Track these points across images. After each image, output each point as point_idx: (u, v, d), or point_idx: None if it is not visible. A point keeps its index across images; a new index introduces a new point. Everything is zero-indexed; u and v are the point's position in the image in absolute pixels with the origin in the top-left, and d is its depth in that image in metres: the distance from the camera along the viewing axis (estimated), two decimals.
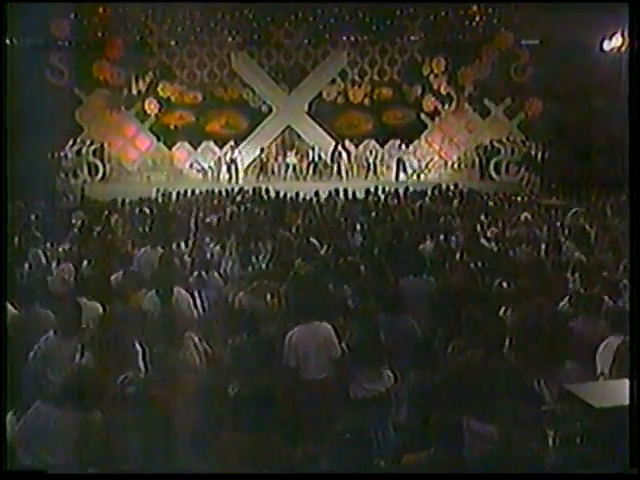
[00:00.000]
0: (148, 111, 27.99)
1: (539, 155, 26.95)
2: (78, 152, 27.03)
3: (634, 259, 6.78)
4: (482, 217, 15.31)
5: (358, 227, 13.96)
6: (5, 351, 6.38)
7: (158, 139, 28.48)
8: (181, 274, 9.77)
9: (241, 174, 27.87)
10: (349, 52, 28.77)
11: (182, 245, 12.22)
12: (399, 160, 28.09)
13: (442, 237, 12.60)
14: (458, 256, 10.99)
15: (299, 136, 29.07)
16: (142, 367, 6.48)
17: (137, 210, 17.37)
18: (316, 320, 7.23)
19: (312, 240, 12.05)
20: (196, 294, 9.03)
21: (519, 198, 20.73)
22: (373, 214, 16.08)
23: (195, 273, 9.79)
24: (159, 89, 27.95)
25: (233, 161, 27.88)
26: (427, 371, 6.95)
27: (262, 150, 28.75)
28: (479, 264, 10.24)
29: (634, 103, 7.47)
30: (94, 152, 27.52)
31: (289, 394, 6.13)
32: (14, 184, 15.09)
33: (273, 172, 28.44)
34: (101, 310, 7.94)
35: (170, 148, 28.60)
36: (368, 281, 9.10)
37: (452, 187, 21.47)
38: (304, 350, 7.07)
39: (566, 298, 8.18)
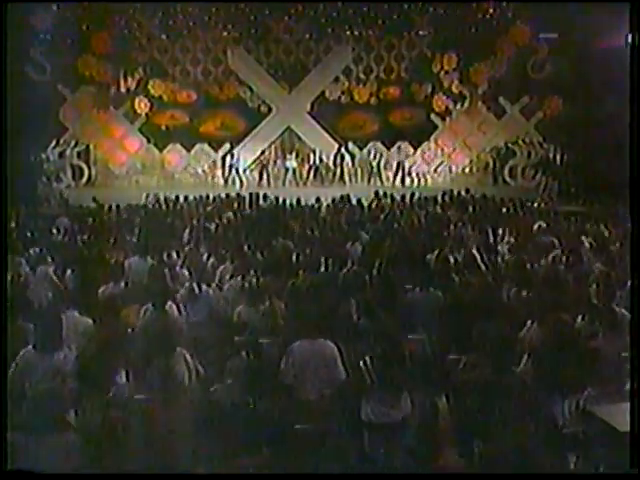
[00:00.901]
0: (138, 110, 28.04)
1: (557, 158, 26.88)
2: (61, 154, 27.05)
3: (634, 259, 7.00)
4: (496, 225, 15.20)
5: (362, 236, 13.95)
6: (5, 351, 6.54)
7: (148, 141, 28.52)
8: (173, 286, 9.75)
9: (237, 179, 27.93)
10: (353, 48, 28.85)
11: (174, 255, 12.17)
12: (399, 164, 28.25)
13: (452, 247, 12.59)
14: (469, 268, 10.97)
15: (300, 138, 29.12)
16: (126, 389, 6.48)
17: (125, 217, 17.37)
18: (319, 336, 7.25)
19: (314, 250, 12.02)
20: (189, 308, 9.03)
21: (535, 204, 20.66)
22: (378, 222, 16.09)
23: (188, 285, 9.74)
24: (149, 87, 27.99)
25: (229, 165, 27.98)
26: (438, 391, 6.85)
27: (260, 153, 28.85)
28: (492, 276, 10.25)
29: (634, 103, 7.68)
30: (79, 154, 27.57)
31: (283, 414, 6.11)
32: None
33: (272, 177, 28.49)
34: (89, 324, 7.94)
35: (161, 150, 28.64)
36: (373, 294, 9.11)
37: (463, 193, 21.35)
38: (303, 368, 7.05)
39: (586, 314, 8.16)
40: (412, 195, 20.68)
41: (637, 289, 6.70)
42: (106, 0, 25.99)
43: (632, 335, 6.12)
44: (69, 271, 10.66)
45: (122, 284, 9.97)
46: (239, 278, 10.02)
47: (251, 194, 20.60)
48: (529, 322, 7.85)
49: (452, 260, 11.40)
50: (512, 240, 13.75)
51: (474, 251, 12.10)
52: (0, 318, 7.27)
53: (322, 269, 10.93)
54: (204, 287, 9.76)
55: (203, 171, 28.85)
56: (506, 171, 28.29)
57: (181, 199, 20.67)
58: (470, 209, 18.70)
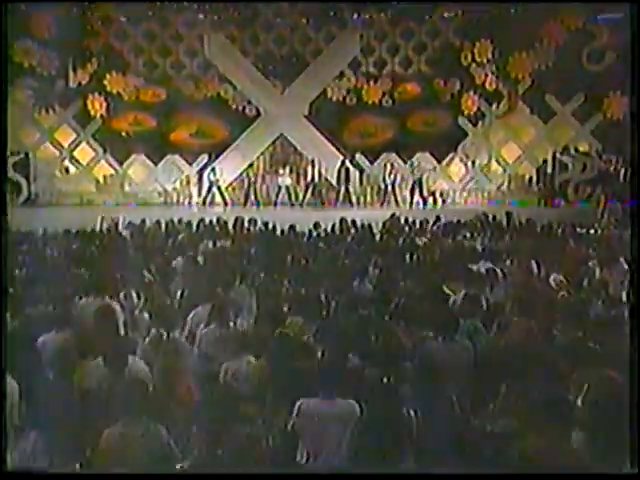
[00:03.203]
0: (91, 112, 28.20)
1: (621, 172, 26.74)
2: None
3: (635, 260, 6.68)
4: (541, 258, 14.99)
5: (372, 271, 13.80)
6: (5, 351, 7.14)
7: (105, 150, 28.67)
8: (134, 335, 9.69)
9: (218, 199, 28.00)
10: (362, 35, 28.95)
11: (134, 295, 12.08)
12: (419, 181, 28.10)
13: (483, 285, 12.48)
14: (505, 312, 10.87)
15: (295, 148, 29.25)
16: None
17: (74, 246, 17.25)
18: (317, 399, 7.32)
19: (311, 289, 11.97)
20: (151, 364, 8.89)
21: (592, 231, 20.53)
22: (392, 254, 15.91)
23: (153, 334, 9.66)
24: (105, 82, 28.11)
25: (207, 182, 28.03)
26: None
27: (247, 167, 28.97)
28: (536, 323, 10.00)
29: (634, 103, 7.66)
30: (15, 166, 27.56)
31: None
32: None
33: (260, 196, 28.56)
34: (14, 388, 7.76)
35: (121, 163, 28.80)
36: (386, 345, 9.08)
37: (500, 216, 21.19)
38: (317, 436, 7.18)
39: None
40: (436, 220, 20.60)
41: (637, 289, 7.17)
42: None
43: (632, 335, 6.70)
44: None
45: (67, 332, 9.67)
46: (215, 325, 9.95)
47: (235, 218, 20.45)
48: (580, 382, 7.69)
49: (484, 302, 11.36)
50: (561, 277, 13.57)
51: (512, 290, 12.06)
52: (0, 319, 7.92)
53: (321, 313, 10.85)
54: (172, 335, 9.69)
55: (174, 189, 28.94)
56: (556, 188, 28.12)
57: (146, 224, 20.57)
58: (508, 237, 18.64)
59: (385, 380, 7.94)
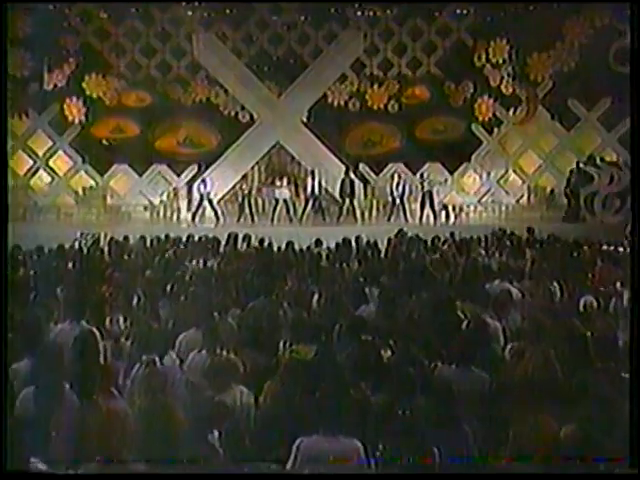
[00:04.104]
0: (69, 117, 28.12)
1: None
2: None
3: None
4: (564, 279, 14.86)
5: (378, 293, 13.50)
6: (5, 351, 7.80)
7: (84, 160, 28.57)
8: (118, 364, 9.59)
9: (209, 213, 27.78)
10: (366, 34, 29.01)
11: (120, 320, 12.08)
12: (429, 194, 27.59)
13: (500, 308, 12.31)
14: (525, 338, 10.64)
15: (293, 158, 29.30)
16: None
17: (53, 264, 17.12)
18: (318, 435, 7.24)
19: (311, 312, 11.96)
20: (136, 395, 8.87)
21: (621, 249, 20.34)
22: (399, 273, 15.74)
23: (136, 362, 9.53)
24: (85, 84, 28.10)
25: (197, 194, 27.74)
26: None
27: (240, 178, 28.89)
28: (560, 351, 9.70)
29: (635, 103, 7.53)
30: None
31: None
32: None
33: (256, 211, 28.26)
34: None
35: (102, 173, 28.71)
36: (393, 374, 8.91)
37: (519, 232, 21.20)
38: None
39: None
40: (451, 236, 20.64)
41: (637, 288, 7.45)
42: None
43: (632, 334, 7.13)
44: None
45: (46, 359, 9.32)
46: (205, 352, 9.91)
47: (228, 235, 20.59)
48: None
49: (500, 326, 11.36)
50: (591, 299, 13.35)
51: (531, 314, 11.91)
52: (0, 320, 8.36)
53: (321, 338, 10.62)
54: (157, 364, 9.56)
55: (161, 202, 28.76)
56: (581, 202, 27.78)
57: (130, 241, 20.57)
58: (528, 255, 18.57)
59: (396, 413, 7.87)
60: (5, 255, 11.35)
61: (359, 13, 28.71)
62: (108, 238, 20.81)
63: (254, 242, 20.41)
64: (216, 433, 7.95)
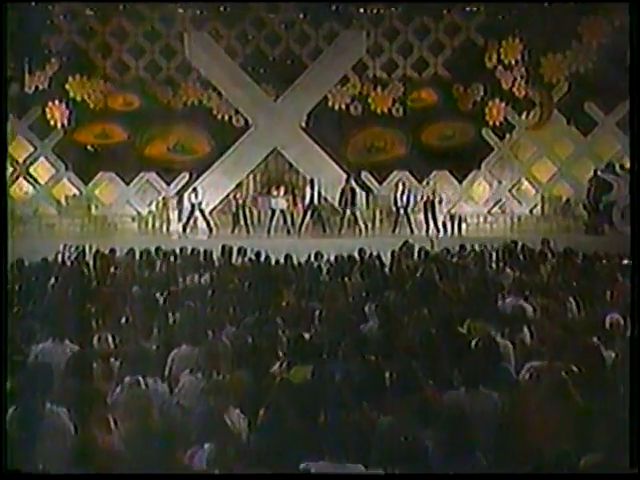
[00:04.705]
0: (51, 121, 28.04)
1: None
2: None
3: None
4: (581, 296, 14.85)
5: (381, 311, 13.50)
6: (5, 350, 8.44)
7: (67, 167, 28.45)
8: (106, 386, 9.58)
9: (201, 224, 27.76)
10: (369, 33, 28.96)
11: (109, 338, 11.98)
12: (437, 203, 27.82)
13: (512, 326, 12.33)
14: (541, 360, 10.53)
15: (291, 165, 29.25)
16: None
17: (34, 278, 17.05)
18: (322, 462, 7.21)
19: (311, 331, 11.99)
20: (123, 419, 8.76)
21: None
22: (405, 289, 15.70)
23: (127, 382, 9.48)
24: (68, 86, 28.02)
25: (189, 204, 27.80)
26: None
27: (234, 187, 28.87)
28: (576, 370, 9.81)
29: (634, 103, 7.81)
30: None
31: None
32: None
33: (251, 222, 28.31)
34: None
35: (87, 182, 28.60)
36: (398, 396, 8.95)
37: (533, 244, 21.20)
38: None
39: None
40: (460, 249, 20.68)
41: (637, 288, 7.74)
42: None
43: (632, 334, 7.37)
44: None
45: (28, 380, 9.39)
46: (199, 373, 9.97)
47: (223, 248, 20.56)
48: None
49: (512, 347, 11.41)
50: (617, 317, 13.17)
51: (546, 333, 11.84)
52: (0, 318, 8.32)
53: (321, 358, 10.69)
54: (153, 383, 9.71)
55: (149, 213, 28.78)
56: (600, 212, 27.71)
57: (117, 254, 20.60)
58: (542, 269, 18.58)
59: (404, 439, 7.73)
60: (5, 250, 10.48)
61: (362, 10, 28.69)
62: (93, 251, 20.73)
63: (250, 255, 20.34)
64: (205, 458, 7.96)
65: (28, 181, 28.42)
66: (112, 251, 20.60)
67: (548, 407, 8.59)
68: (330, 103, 29.06)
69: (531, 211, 29.20)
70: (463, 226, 28.20)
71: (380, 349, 11.05)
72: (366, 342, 11.38)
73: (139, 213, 28.80)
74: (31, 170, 28.36)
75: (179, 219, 28.10)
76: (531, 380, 9.91)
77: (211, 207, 28.34)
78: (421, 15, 28.69)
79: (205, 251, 20.62)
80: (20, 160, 28.15)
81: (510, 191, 29.21)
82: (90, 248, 21.09)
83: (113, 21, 28.29)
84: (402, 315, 13.23)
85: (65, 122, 28.03)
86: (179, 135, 28.92)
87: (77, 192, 28.71)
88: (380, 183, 29.05)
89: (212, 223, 27.76)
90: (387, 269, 18.55)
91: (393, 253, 20.26)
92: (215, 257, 20.19)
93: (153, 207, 28.69)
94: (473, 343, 11.25)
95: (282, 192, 28.20)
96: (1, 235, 12.94)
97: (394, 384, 9.39)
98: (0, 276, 11.69)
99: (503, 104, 28.68)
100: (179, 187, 28.64)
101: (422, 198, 28.11)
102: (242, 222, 27.99)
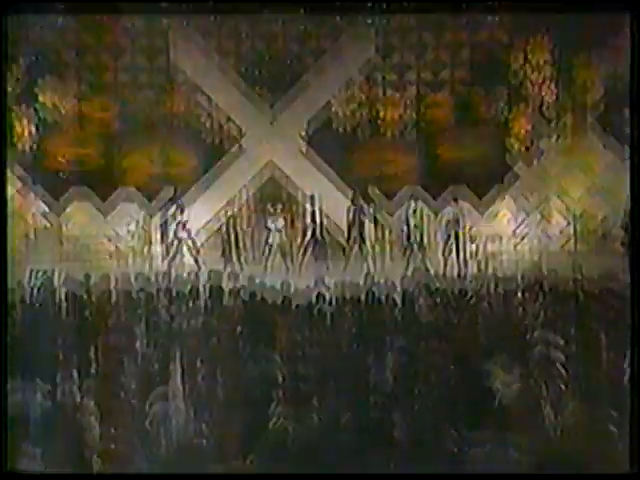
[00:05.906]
0: (18, 129, 27.86)
1: None
2: None
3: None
4: (621, 335, 14.74)
5: (391, 354, 13.85)
6: (5, 350, 9.35)
7: (34, 181, 28.19)
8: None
9: (186, 251, 27.55)
10: (377, 31, 28.93)
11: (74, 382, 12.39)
12: (455, 225, 27.63)
13: (542, 369, 12.89)
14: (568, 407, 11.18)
15: (289, 180, 29.09)
16: None
17: None
18: None
19: (311, 377, 12.18)
20: None
21: None
22: (418, 329, 16.12)
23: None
24: (37, 91, 27.94)
25: (173, 226, 27.67)
26: None
27: (224, 205, 28.82)
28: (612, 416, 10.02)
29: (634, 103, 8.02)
30: None
31: None
32: None
33: (243, 247, 28.24)
34: None
35: (57, 197, 28.40)
36: (411, 452, 9.31)
37: (564, 271, 20.96)
38: None
39: None
40: (483, 284, 20.33)
41: (637, 287, 8.79)
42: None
43: (632, 334, 8.54)
44: None
45: None
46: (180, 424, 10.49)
47: (209, 276, 20.55)
48: None
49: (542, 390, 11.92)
50: None
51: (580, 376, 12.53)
52: (0, 318, 9.87)
53: (327, 410, 10.98)
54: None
55: (128, 233, 28.69)
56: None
57: (91, 283, 20.45)
58: (574, 306, 18.58)
59: None
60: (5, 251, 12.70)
61: (370, 5, 28.55)
62: (63, 277, 20.83)
63: (242, 282, 20.23)
64: None
65: None
66: (86, 281, 20.42)
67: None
68: (334, 109, 29.03)
69: (561, 232, 28.95)
70: (483, 249, 28.12)
71: (392, 396, 11.52)
72: (375, 389, 11.82)
73: (117, 233, 28.59)
74: None
75: (162, 240, 28.12)
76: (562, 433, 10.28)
77: (198, 226, 28.24)
78: (437, 10, 28.42)
79: (191, 275, 21.36)
80: None
81: (537, 209, 28.86)
82: (60, 273, 21.26)
83: (88, 16, 28.11)
84: (416, 359, 13.37)
85: (33, 132, 28.05)
86: (162, 146, 28.82)
87: (46, 209, 28.37)
88: (389, 199, 28.73)
89: (198, 244, 27.74)
90: (398, 306, 18.32)
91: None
92: (200, 289, 19.91)
93: (132, 227, 28.60)
94: (498, 395, 11.47)
95: (279, 210, 28.16)
96: (1, 235, 13.73)
97: (408, 439, 9.75)
98: (0, 277, 12.11)
99: (530, 111, 28.62)
100: (162, 204, 28.33)
101: (437, 218, 28.15)
102: (233, 243, 27.97)
